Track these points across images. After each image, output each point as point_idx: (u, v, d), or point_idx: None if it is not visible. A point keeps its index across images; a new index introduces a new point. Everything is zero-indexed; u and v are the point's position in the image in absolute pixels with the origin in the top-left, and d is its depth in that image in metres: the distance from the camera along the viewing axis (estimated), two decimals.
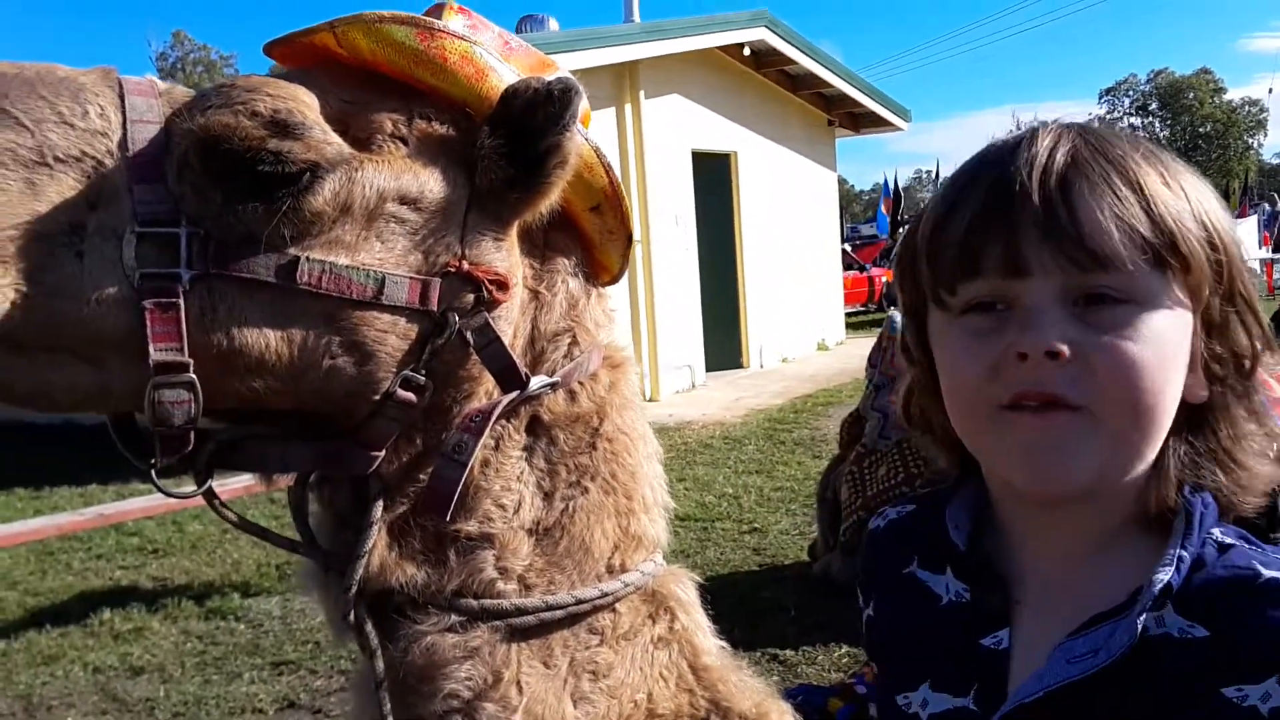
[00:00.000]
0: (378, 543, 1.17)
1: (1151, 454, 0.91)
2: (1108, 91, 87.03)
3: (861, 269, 25.79)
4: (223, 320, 1.08)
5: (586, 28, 11.56)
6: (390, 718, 1.16)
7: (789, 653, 4.75)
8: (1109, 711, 0.89)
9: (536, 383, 1.21)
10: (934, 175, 38.52)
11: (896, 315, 5.64)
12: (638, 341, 12.34)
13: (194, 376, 1.05)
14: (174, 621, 5.74)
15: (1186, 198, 0.90)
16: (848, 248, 25.40)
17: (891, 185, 30.47)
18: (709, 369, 13.86)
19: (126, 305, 1.04)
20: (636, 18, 13.34)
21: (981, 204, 0.91)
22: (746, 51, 13.91)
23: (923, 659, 1.03)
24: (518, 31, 12.39)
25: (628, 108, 12.02)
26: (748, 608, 5.34)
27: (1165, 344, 0.88)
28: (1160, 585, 0.87)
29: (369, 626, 1.18)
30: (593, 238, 1.30)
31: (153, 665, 5.12)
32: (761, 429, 10.66)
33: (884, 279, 25.74)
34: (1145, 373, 0.86)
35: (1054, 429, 0.87)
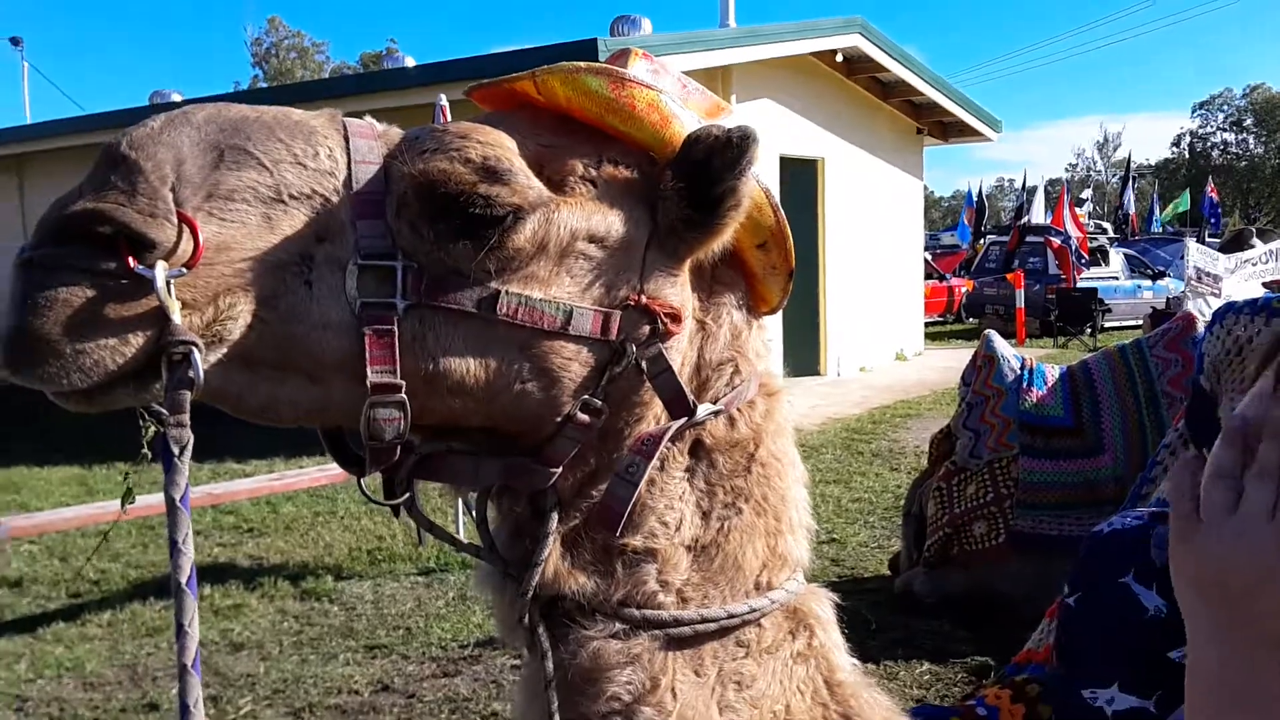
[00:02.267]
0: (552, 552, 1.26)
1: None
2: (1201, 105, 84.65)
3: (941, 278, 25.51)
4: (430, 347, 1.18)
5: (681, 32, 11.66)
6: (557, 715, 1.25)
7: (870, 666, 4.74)
8: None
9: (703, 410, 1.29)
10: (1019, 185, 37.82)
11: (994, 334, 5.63)
12: None
13: (405, 397, 1.16)
14: (270, 600, 5.96)
15: None
16: (928, 256, 25.12)
17: (975, 195, 30.09)
18: (786, 375, 13.72)
19: (349, 331, 1.15)
20: (732, 22, 13.37)
21: None
22: (839, 58, 13.88)
23: (1120, 661, 1.11)
24: (612, 34, 12.51)
25: (733, 119, 12.03)
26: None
27: None
28: None
29: (541, 629, 1.27)
30: (756, 272, 1.37)
31: (252, 642, 5.34)
32: (839, 438, 10.65)
33: (964, 289, 25.41)
34: None
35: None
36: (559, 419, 1.24)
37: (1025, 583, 4.89)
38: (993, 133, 18.00)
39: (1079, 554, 1.25)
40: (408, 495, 1.28)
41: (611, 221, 1.24)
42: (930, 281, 23.06)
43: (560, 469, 1.26)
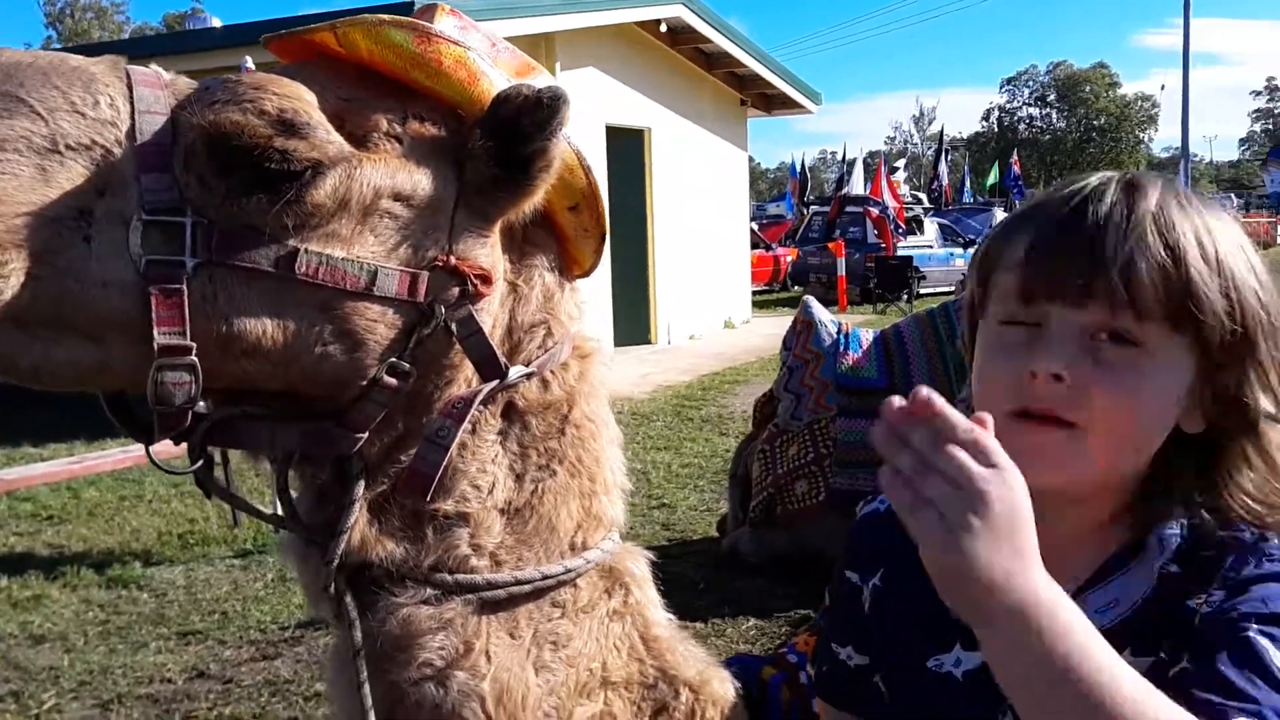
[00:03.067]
0: (359, 519, 1.24)
1: (1125, 470, 1.05)
2: (1009, 81, 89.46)
3: (768, 248, 26.15)
4: (223, 307, 1.12)
5: None
6: (366, 684, 1.23)
7: (698, 625, 4.90)
8: (1122, 639, 1.00)
9: (515, 372, 1.28)
10: (840, 157, 39.17)
11: (812, 300, 5.82)
12: None
13: (195, 360, 1.10)
14: (74, 590, 5.62)
15: (1219, 269, 1.01)
16: (754, 227, 25.74)
17: (799, 167, 30.99)
18: (617, 344, 13.97)
19: (132, 289, 1.09)
20: None
21: (1044, 239, 1.05)
22: (663, 28, 13.98)
23: (954, 623, 1.13)
24: None
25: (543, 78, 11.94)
26: (657, 581, 5.44)
27: (1160, 390, 1.02)
28: (1175, 539, 1.04)
29: (348, 598, 1.25)
30: (569, 234, 1.37)
31: (54, 634, 5.03)
32: (670, 405, 10.83)
33: (789, 258, 26.17)
34: (1135, 413, 1.01)
35: (1044, 440, 1.01)
36: (364, 382, 1.21)
37: (844, 539, 5.11)
38: (813, 105, 18.54)
39: (868, 535, 1.31)
40: (200, 463, 1.22)
41: (418, 180, 1.21)
42: (757, 251, 23.62)
43: (366, 434, 1.23)
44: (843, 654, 1.30)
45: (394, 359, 1.21)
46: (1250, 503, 1.04)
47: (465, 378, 1.28)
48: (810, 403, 5.33)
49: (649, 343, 15.03)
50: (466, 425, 1.27)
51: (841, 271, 20.87)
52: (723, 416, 10.15)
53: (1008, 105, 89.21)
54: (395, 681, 1.26)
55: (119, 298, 1.09)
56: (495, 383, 1.26)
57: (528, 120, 1.20)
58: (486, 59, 1.26)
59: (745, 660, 1.66)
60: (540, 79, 1.33)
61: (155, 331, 1.08)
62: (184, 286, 1.10)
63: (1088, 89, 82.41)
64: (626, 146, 14.05)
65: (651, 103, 14.54)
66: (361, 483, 1.25)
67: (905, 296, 21.07)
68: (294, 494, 1.30)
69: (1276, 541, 1.06)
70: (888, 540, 1.22)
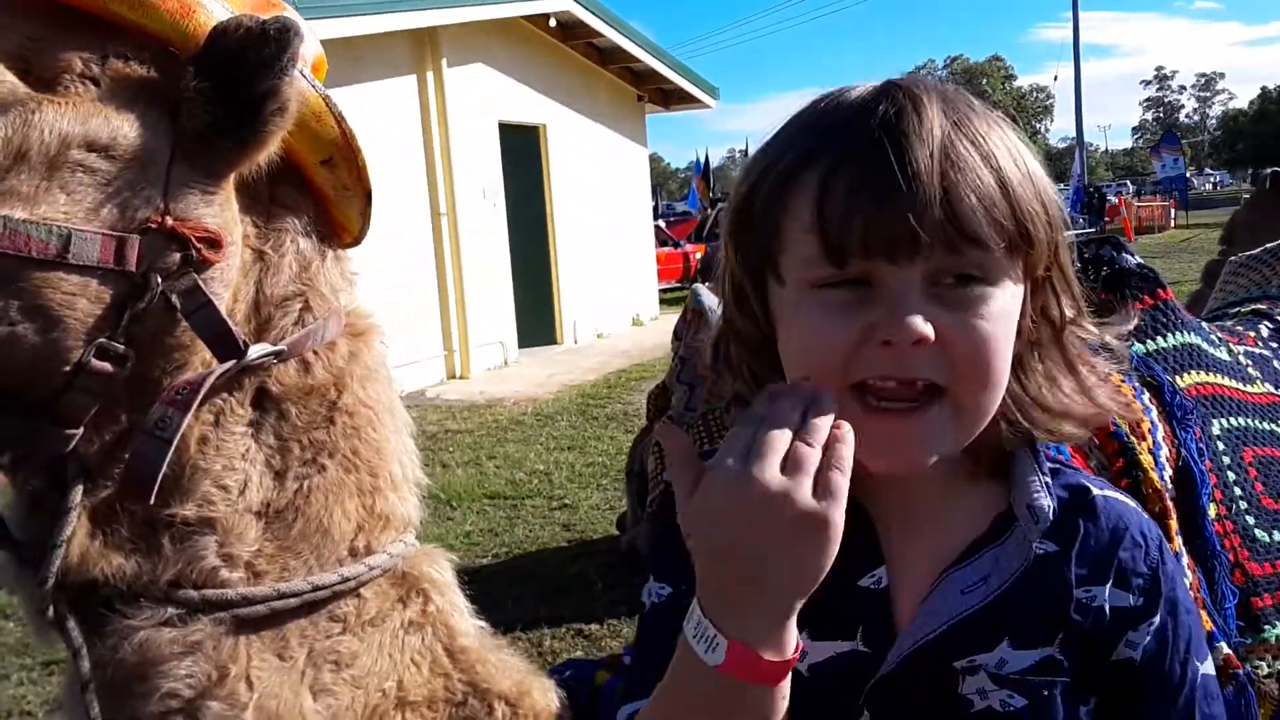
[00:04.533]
0: (77, 530, 1.06)
1: (989, 415, 0.92)
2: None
3: (676, 245, 26.15)
4: None
5: None
6: None
7: (594, 627, 4.75)
8: (1001, 630, 0.91)
9: (256, 351, 1.11)
10: (745, 153, 39.48)
11: (701, 289, 5.69)
12: (446, 318, 12.09)
13: None
14: None
15: (1031, 178, 0.90)
16: (662, 224, 25.70)
17: (703, 162, 31.02)
18: (522, 345, 13.74)
19: None
20: None
21: (842, 186, 0.86)
22: (553, 23, 13.78)
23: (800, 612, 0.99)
24: None
25: (429, 75, 11.69)
26: (555, 584, 5.31)
27: (1009, 319, 0.89)
28: (1047, 508, 0.94)
29: (70, 623, 1.06)
30: (327, 194, 1.20)
31: None
32: (574, 405, 10.66)
33: (697, 255, 26.21)
34: (995, 349, 0.88)
35: (919, 424, 0.87)
36: (68, 368, 1.02)
37: None
38: (711, 99, 18.51)
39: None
40: None
41: (118, 126, 1.03)
42: (666, 249, 23.58)
43: (80, 429, 1.05)
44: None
45: (103, 340, 1.03)
46: (1047, 417, 0.96)
47: (202, 360, 1.10)
48: (704, 393, 5.21)
49: (555, 343, 14.82)
50: (206, 415, 1.10)
51: None
52: (628, 414, 10.00)
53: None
54: (137, 717, 1.08)
55: None
56: (231, 363, 1.09)
57: (253, 57, 1.02)
58: None
59: (579, 664, 1.52)
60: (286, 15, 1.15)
61: None
62: None
63: (985, 82, 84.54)
64: (522, 144, 13.82)
65: (545, 99, 14.33)
66: (80, 488, 1.06)
67: None
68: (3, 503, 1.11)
69: (1131, 504, 1.00)
70: None
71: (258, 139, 1.07)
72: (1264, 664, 1.31)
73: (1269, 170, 5.60)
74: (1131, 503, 1.01)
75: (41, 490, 1.08)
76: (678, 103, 18.39)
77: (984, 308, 0.87)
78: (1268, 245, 2.13)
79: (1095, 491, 0.98)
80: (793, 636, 0.80)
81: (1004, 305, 0.88)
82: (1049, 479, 0.96)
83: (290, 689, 1.14)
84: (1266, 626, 1.33)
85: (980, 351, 0.87)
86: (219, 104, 1.04)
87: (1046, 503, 0.94)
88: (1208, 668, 0.96)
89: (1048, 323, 0.95)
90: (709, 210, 28.74)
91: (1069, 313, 0.96)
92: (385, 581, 1.23)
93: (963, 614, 0.92)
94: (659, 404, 5.69)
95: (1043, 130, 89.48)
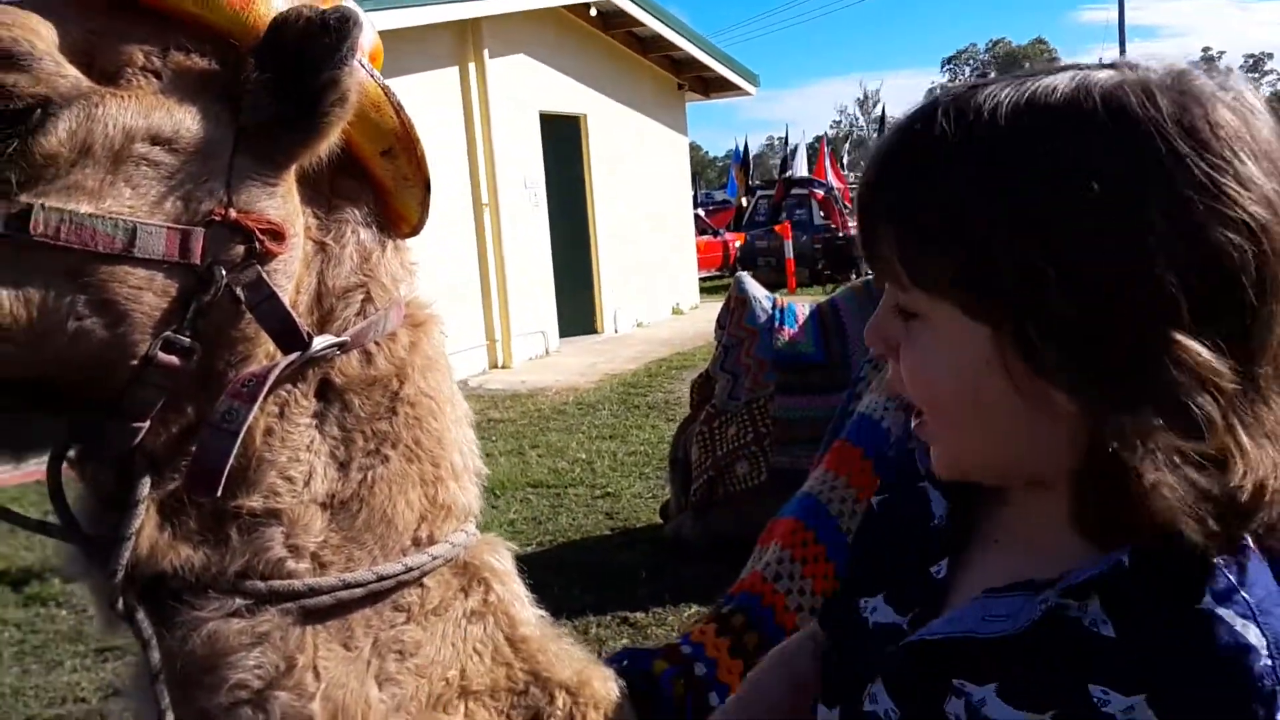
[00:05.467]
0: (146, 523, 1.06)
1: (995, 450, 0.88)
2: (949, 60, 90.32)
3: (715, 234, 26.06)
4: None
5: None
6: (169, 713, 1.06)
7: (639, 615, 4.76)
8: (996, 672, 0.85)
9: (320, 342, 1.11)
10: (784, 142, 39.19)
11: (745, 276, 5.68)
12: (489, 308, 12.16)
13: None
14: None
15: (990, 224, 0.80)
16: (701, 213, 25.60)
17: (742, 151, 30.86)
18: (563, 335, 13.78)
19: None
20: None
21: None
22: (593, 12, 13.77)
23: (891, 571, 1.00)
24: None
25: (471, 67, 11.73)
26: (600, 573, 5.33)
27: (942, 354, 0.86)
28: (1084, 576, 0.82)
29: (140, 615, 1.07)
30: (386, 184, 1.20)
31: None
32: (615, 394, 10.67)
33: (736, 243, 26.11)
34: (931, 381, 0.88)
35: (919, 425, 0.93)
36: (135, 362, 1.03)
37: None
38: (751, 86, 18.41)
39: (891, 454, 1.15)
40: None
41: (181, 119, 1.03)
42: (705, 237, 23.51)
43: (147, 423, 1.05)
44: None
45: (169, 333, 1.03)
46: (1152, 511, 0.78)
47: (266, 353, 1.11)
48: (747, 381, 5.19)
49: (595, 332, 14.84)
50: (271, 408, 1.10)
51: (790, 254, 20.78)
52: (669, 402, 10.00)
53: (950, 84, 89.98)
54: (205, 708, 1.09)
55: None
56: (296, 355, 1.09)
57: (313, 47, 1.02)
58: None
59: (636, 654, 1.51)
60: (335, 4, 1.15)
61: None
62: None
63: (1027, 65, 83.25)
64: (563, 133, 13.84)
65: (586, 89, 14.32)
66: (147, 481, 1.07)
67: (854, 277, 21.08)
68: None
69: (1255, 643, 0.76)
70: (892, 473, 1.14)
71: (319, 130, 1.07)
72: None
73: None
74: (1261, 640, 0.77)
75: (110, 484, 1.09)
76: (717, 90, 18.32)
77: (920, 341, 0.88)
78: None
79: (1207, 602, 0.78)
80: None
81: (945, 343, 0.85)
82: (1102, 569, 0.81)
83: (356, 679, 1.14)
84: None
85: (915, 380, 0.89)
86: (280, 95, 1.04)
87: (1091, 570, 0.82)
88: None
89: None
90: (747, 199, 28.62)
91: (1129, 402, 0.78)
92: (448, 571, 1.23)
93: (966, 635, 0.88)
94: (702, 392, 5.70)
95: None
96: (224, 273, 1.04)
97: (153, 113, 1.01)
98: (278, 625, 1.10)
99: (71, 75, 0.97)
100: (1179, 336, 0.76)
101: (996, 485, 0.94)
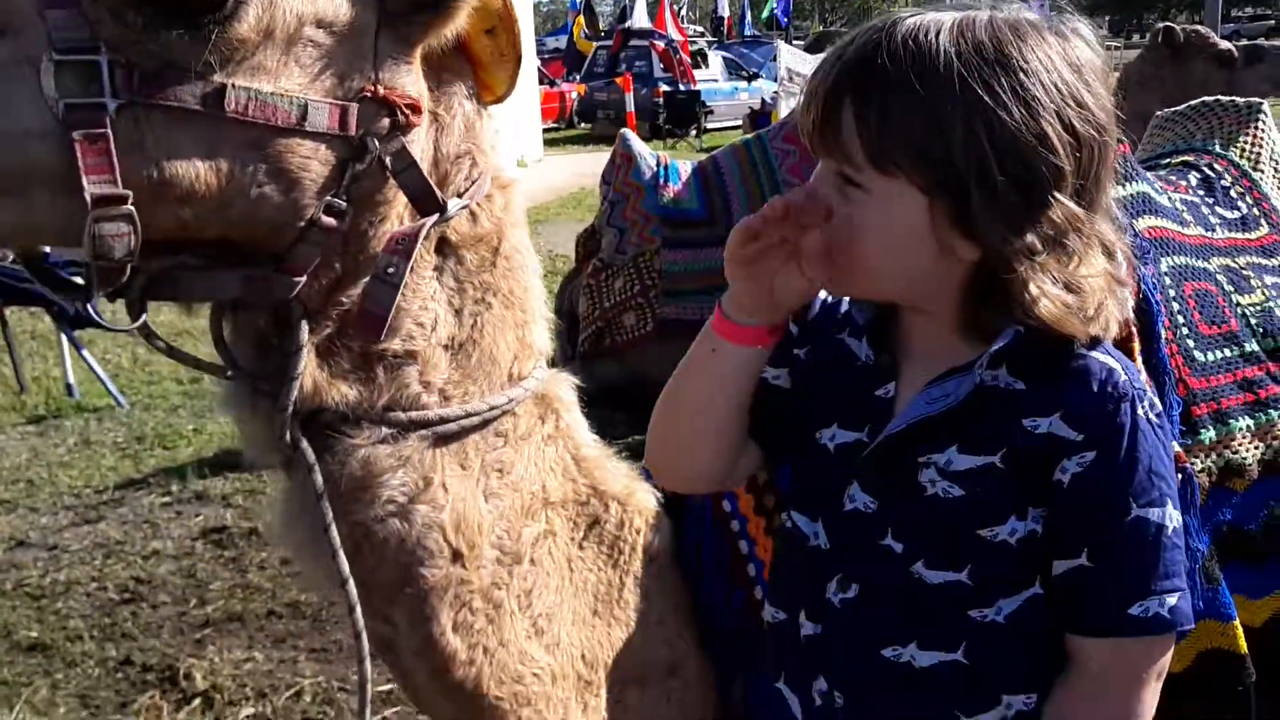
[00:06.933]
0: (309, 364, 1.22)
1: (904, 283, 1.17)
2: None
3: (552, 84, 25.59)
4: (151, 150, 1.06)
5: None
6: (333, 525, 1.24)
7: None
8: (953, 438, 1.18)
9: (454, 205, 1.26)
10: None
11: (629, 133, 5.80)
12: None
13: (132, 209, 1.04)
14: None
15: (923, 121, 1.07)
16: (538, 63, 25.03)
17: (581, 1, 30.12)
18: None
19: (53, 137, 1.01)
20: None
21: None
22: None
23: (839, 404, 1.28)
24: None
25: None
26: None
27: (885, 221, 1.12)
28: (994, 349, 1.15)
29: (304, 444, 1.23)
30: (484, 60, 1.33)
31: None
32: None
33: (574, 94, 25.75)
34: (864, 237, 1.13)
35: (830, 264, 1.15)
36: (302, 223, 1.17)
37: (673, 365, 5.28)
38: None
39: (806, 318, 1.38)
40: (143, 318, 1.16)
41: (339, 4, 1.15)
42: (542, 87, 23.09)
43: (304, 277, 1.20)
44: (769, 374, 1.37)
45: (330, 197, 1.17)
46: (1047, 308, 1.10)
47: (397, 214, 1.25)
48: (634, 236, 5.37)
49: None
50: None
51: (630, 108, 20.71)
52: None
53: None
54: (359, 520, 1.28)
55: (39, 147, 1.01)
56: (437, 215, 1.24)
57: None
58: None
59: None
60: None
61: (85, 181, 1.01)
62: (109, 130, 1.02)
63: None
64: None
65: None
66: (305, 327, 1.22)
67: (694, 131, 21.24)
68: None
69: (1115, 369, 1.15)
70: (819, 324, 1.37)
71: (449, 13, 1.20)
72: (1198, 460, 1.62)
73: (1160, 24, 5.97)
74: (1118, 366, 1.16)
75: (267, 330, 1.23)
76: None
77: (859, 208, 1.12)
78: (1191, 102, 2.37)
79: (1084, 353, 1.15)
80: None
81: (880, 213, 1.12)
82: (1007, 341, 1.14)
83: (471, 493, 1.34)
84: (1202, 430, 1.64)
85: (845, 238, 1.13)
86: None
87: (998, 345, 1.14)
88: (1158, 517, 1.13)
89: (999, 245, 1.10)
90: (590, 46, 28.09)
91: (1030, 243, 1.09)
92: (530, 402, 1.42)
93: (923, 416, 1.18)
94: (587, 247, 5.85)
95: None
96: (376, 143, 1.17)
97: None
98: (416, 449, 1.28)
99: None
100: (1060, 197, 1.10)
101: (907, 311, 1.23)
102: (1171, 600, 1.13)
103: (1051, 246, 1.10)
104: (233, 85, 1.07)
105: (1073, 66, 1.10)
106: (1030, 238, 1.09)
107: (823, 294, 1.33)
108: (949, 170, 1.07)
